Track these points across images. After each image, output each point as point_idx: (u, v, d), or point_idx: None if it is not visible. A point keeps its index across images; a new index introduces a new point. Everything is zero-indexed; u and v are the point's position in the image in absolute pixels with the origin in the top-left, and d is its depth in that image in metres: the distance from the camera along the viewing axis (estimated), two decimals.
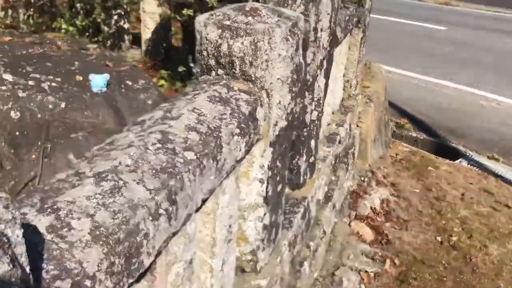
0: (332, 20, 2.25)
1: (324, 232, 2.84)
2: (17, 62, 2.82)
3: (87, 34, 3.61)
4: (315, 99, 2.35)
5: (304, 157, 2.46)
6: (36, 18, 3.74)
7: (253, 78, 1.63)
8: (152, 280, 1.28)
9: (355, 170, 3.93)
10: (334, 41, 2.53)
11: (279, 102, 1.69)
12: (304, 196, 2.53)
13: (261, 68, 1.60)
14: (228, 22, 1.58)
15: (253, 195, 1.82)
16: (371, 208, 3.47)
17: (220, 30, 1.59)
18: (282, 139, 1.83)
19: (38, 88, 2.55)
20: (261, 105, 1.62)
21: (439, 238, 3.29)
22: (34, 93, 2.49)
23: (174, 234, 1.14)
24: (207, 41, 1.63)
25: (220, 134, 1.35)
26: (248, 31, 1.55)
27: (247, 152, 1.56)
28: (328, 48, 2.32)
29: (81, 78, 2.77)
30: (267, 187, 1.82)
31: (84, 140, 2.45)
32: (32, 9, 3.83)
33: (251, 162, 1.77)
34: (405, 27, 11.15)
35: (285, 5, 1.99)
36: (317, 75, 2.30)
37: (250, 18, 1.59)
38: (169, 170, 1.14)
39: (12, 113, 2.41)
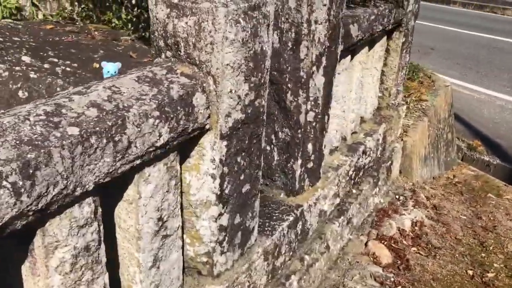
0: (332, 13, 2.05)
1: (328, 247, 2.60)
2: (43, 47, 2.94)
3: (130, 27, 3.70)
4: (311, 98, 2.16)
5: (299, 161, 2.26)
6: (87, 10, 3.91)
7: (197, 62, 1.50)
8: (33, 262, 1.21)
9: (390, 186, 3.60)
10: (342, 38, 2.31)
11: (231, 91, 1.54)
12: (299, 204, 2.33)
13: (205, 51, 1.47)
14: (176, 0, 1.47)
15: (204, 191, 1.68)
16: (398, 229, 3.14)
17: (168, 9, 1.49)
18: (242, 134, 1.68)
19: (51, 71, 2.62)
20: (203, 91, 1.48)
21: (470, 272, 2.88)
22: (45, 76, 2.56)
23: (34, 212, 1.05)
24: (157, 21, 1.53)
25: (126, 114, 1.24)
26: (193, 10, 1.43)
27: (177, 140, 1.43)
28: (328, 44, 2.11)
29: (97, 66, 2.81)
30: (221, 184, 1.67)
31: None
32: (86, 2, 4.01)
33: (201, 155, 1.63)
34: (491, 43, 10.26)
35: None
36: (313, 72, 2.10)
37: None
38: (36, 143, 1.06)
39: (20, 93, 2.48)
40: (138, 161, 1.31)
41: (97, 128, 1.16)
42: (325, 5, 1.98)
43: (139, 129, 1.27)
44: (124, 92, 1.31)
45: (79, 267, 1.25)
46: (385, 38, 3.07)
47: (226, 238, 1.82)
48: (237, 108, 1.60)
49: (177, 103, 1.39)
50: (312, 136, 2.26)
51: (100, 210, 1.28)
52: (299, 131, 2.21)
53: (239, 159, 1.73)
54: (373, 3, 2.75)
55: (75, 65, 2.76)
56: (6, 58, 2.64)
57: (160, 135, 1.34)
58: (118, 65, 2.72)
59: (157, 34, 1.55)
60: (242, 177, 1.79)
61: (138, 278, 1.55)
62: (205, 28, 1.44)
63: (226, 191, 1.72)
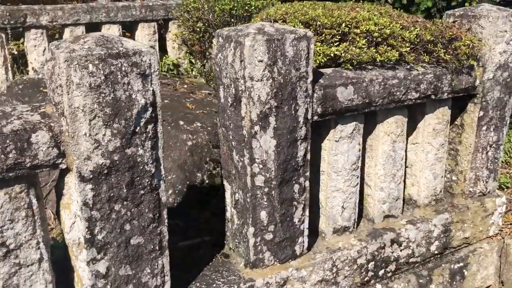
0: (276, 70, 1.84)
1: None
2: None
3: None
4: (257, 160, 1.95)
5: (251, 229, 2.05)
6: (201, 66, 4.33)
7: (54, 103, 1.58)
8: None
9: None
10: (319, 101, 2.03)
11: (86, 134, 1.56)
12: (251, 278, 2.08)
13: (57, 93, 1.55)
14: (57, 45, 1.60)
15: (75, 231, 1.70)
16: None
17: (50, 54, 1.63)
18: (116, 181, 1.66)
19: None
20: (49, 130, 1.54)
21: None
22: None
23: None
24: None
25: None
26: (55, 55, 1.54)
27: (14, 172, 1.51)
28: (275, 104, 1.89)
29: None
30: (91, 228, 1.67)
31: None
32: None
33: (70, 195, 1.67)
34: None
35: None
36: (255, 132, 1.91)
37: (70, 44, 1.56)
38: None
39: None
40: None
41: None
42: (261, 61, 1.81)
43: None
44: None
45: None
46: (445, 108, 2.52)
47: (108, 287, 1.77)
48: (97, 152, 1.59)
49: (7, 137, 1.49)
50: (265, 203, 2.02)
51: None
52: (248, 194, 2.01)
53: (116, 207, 1.70)
54: (409, 66, 2.32)
55: None
56: None
57: None
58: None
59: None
60: (127, 227, 1.74)
61: None
62: (55, 71, 1.52)
63: (99, 237, 1.69)
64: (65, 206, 1.71)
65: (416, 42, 2.31)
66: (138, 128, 1.64)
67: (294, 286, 2.18)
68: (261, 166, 1.97)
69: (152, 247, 1.82)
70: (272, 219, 2.06)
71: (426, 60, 2.30)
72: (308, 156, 2.10)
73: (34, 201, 1.63)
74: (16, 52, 4.94)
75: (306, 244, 2.24)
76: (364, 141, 2.44)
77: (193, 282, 2.08)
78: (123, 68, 1.57)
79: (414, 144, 2.60)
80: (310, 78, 1.96)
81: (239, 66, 1.85)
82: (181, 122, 3.00)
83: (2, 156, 1.49)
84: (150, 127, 1.68)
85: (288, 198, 2.08)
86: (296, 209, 2.13)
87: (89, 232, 1.68)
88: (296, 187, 2.09)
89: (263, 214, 2.04)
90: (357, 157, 2.30)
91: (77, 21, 4.85)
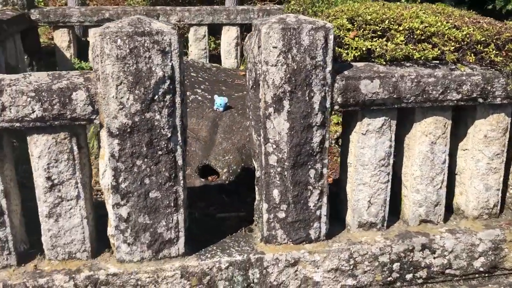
0: (291, 57, 1.98)
1: None
2: (214, 84, 3.76)
3: None
4: (270, 140, 2.10)
5: (265, 206, 2.22)
6: None
7: (94, 69, 1.95)
8: None
9: None
10: (340, 91, 2.11)
11: (113, 97, 1.91)
12: (262, 251, 2.24)
13: (96, 62, 1.92)
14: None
15: (106, 178, 2.07)
16: None
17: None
18: (137, 140, 1.98)
19: (190, 91, 3.43)
20: (87, 91, 1.93)
21: None
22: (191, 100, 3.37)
23: None
24: None
25: (6, 88, 1.88)
26: (98, 30, 1.92)
27: (58, 120, 1.92)
28: (288, 88, 2.01)
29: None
30: (116, 177, 2.02)
31: None
32: None
33: (103, 147, 2.04)
34: None
35: None
36: (270, 114, 2.07)
37: (112, 23, 1.94)
38: None
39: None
40: (17, 124, 1.91)
41: None
42: (275, 47, 1.97)
43: (14, 100, 1.88)
44: (33, 80, 1.94)
45: None
46: (500, 115, 2.34)
47: (129, 231, 2.10)
48: (122, 113, 1.93)
49: (54, 92, 1.90)
50: (278, 182, 2.16)
51: None
52: (263, 171, 2.18)
53: (138, 162, 2.02)
54: (453, 65, 2.23)
55: (207, 95, 3.46)
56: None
57: (33, 111, 1.90)
58: (225, 99, 3.25)
59: None
60: (146, 181, 2.06)
61: None
62: (94, 44, 1.90)
63: (123, 186, 2.04)
64: (101, 157, 2.09)
65: (463, 42, 2.23)
66: (156, 96, 1.94)
67: (306, 268, 2.28)
68: (274, 146, 2.12)
69: (167, 202, 2.10)
70: (284, 199, 2.20)
71: (471, 61, 2.20)
72: (327, 144, 2.18)
73: (75, 148, 2.03)
74: None
75: (324, 231, 2.31)
76: (403, 139, 2.41)
77: (212, 246, 2.31)
78: (146, 44, 1.88)
79: (463, 150, 2.47)
80: (329, 68, 2.06)
81: (257, 51, 2.04)
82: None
83: (49, 107, 1.91)
84: (168, 97, 1.96)
85: (302, 181, 2.19)
86: (312, 194, 2.22)
87: (114, 180, 2.03)
88: (312, 172, 2.19)
89: (275, 193, 2.19)
90: (387, 153, 2.30)
91: (201, 21, 5.43)
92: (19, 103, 1.89)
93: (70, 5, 5.63)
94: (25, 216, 2.20)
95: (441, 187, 2.42)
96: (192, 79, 3.68)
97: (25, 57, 5.07)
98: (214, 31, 5.99)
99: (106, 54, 1.86)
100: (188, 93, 3.46)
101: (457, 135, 2.48)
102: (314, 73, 2.04)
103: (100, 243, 2.23)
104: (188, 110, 3.28)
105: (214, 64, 4.81)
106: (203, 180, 2.98)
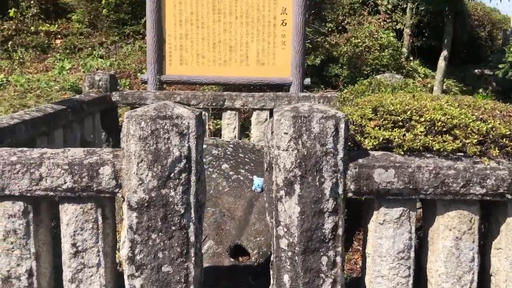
0: (301, 142, 2.05)
1: None
2: (245, 162, 3.88)
3: None
4: (281, 223, 2.13)
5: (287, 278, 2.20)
6: None
7: (122, 147, 2.16)
8: None
9: None
10: (353, 178, 2.11)
11: (135, 173, 2.09)
12: None
13: (123, 141, 2.13)
14: None
15: (124, 249, 2.20)
16: None
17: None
18: (154, 214, 2.12)
19: (234, 171, 3.58)
20: (113, 166, 2.12)
21: None
22: (222, 178, 3.54)
23: None
24: None
25: (45, 161, 2.13)
26: (127, 113, 2.15)
27: (86, 192, 2.12)
28: (299, 173, 2.06)
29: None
30: (132, 248, 2.15)
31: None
32: None
33: (124, 219, 2.20)
34: None
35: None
36: (281, 197, 2.12)
37: (138, 108, 2.17)
38: None
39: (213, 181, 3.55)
40: (51, 193, 2.14)
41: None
42: (286, 133, 2.07)
43: (50, 171, 2.12)
44: (69, 155, 2.19)
45: None
46: None
47: None
48: (141, 188, 2.09)
49: (84, 166, 2.12)
50: (288, 267, 2.16)
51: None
52: (274, 255, 2.20)
53: (153, 235, 2.14)
54: (475, 159, 2.15)
55: (249, 175, 3.58)
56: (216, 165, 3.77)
57: (65, 182, 2.12)
58: (263, 180, 3.34)
59: None
60: (160, 255, 2.16)
61: None
62: (123, 125, 2.13)
63: (138, 258, 2.15)
64: (122, 228, 2.24)
65: (488, 135, 2.17)
66: (172, 174, 2.09)
67: None
68: (285, 229, 2.15)
69: (178, 278, 2.17)
70: (295, 285, 2.17)
71: (494, 154, 2.12)
72: (340, 231, 2.16)
73: (100, 218, 2.21)
74: (213, 129, 6.05)
75: None
76: (427, 232, 2.32)
77: None
78: (166, 127, 2.07)
79: (497, 249, 2.30)
80: (340, 155, 2.09)
81: (270, 136, 2.14)
82: None
83: (79, 179, 2.13)
84: (183, 175, 2.10)
85: (313, 268, 2.16)
86: (324, 282, 2.18)
87: (131, 251, 2.15)
88: (324, 260, 2.16)
89: (286, 278, 2.17)
90: (406, 246, 2.21)
91: (263, 106, 5.71)
92: (54, 174, 2.13)
93: (149, 89, 6.20)
94: (56, 279, 2.37)
95: (470, 287, 2.25)
96: (239, 160, 3.84)
97: (103, 134, 5.60)
98: None
99: (131, 134, 2.07)
100: (231, 173, 3.61)
101: (490, 231, 2.34)
102: (325, 159, 2.09)
103: None
104: (227, 190, 3.40)
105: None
106: (232, 260, 3.01)
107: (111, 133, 5.75)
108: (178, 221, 2.13)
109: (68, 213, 2.19)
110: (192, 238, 2.16)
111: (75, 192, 2.15)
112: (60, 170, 2.13)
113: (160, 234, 2.14)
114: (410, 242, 2.23)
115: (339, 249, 2.17)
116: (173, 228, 2.14)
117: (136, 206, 2.11)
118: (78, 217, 2.19)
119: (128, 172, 2.10)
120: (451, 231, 2.22)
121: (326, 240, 2.15)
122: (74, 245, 2.21)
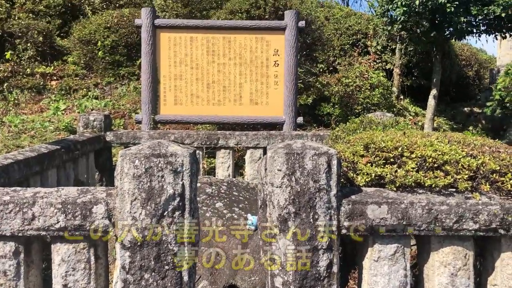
0: (294, 179, 2.06)
1: None
2: (239, 200, 3.87)
3: None
4: (276, 261, 2.12)
5: None
6: None
7: (115, 186, 2.16)
8: None
9: None
10: (346, 214, 2.12)
11: (128, 211, 2.08)
12: None
13: (116, 179, 2.14)
14: None
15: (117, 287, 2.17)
16: None
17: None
18: (147, 253, 2.10)
19: (228, 209, 3.56)
20: (106, 205, 2.12)
21: None
22: (215, 216, 3.53)
23: None
24: None
25: (39, 200, 2.12)
26: (121, 152, 2.17)
27: (79, 231, 2.11)
28: (293, 210, 2.07)
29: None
30: None
31: None
32: None
33: (117, 258, 2.17)
34: None
35: None
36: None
37: (134, 146, 2.19)
38: None
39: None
40: (43, 232, 2.12)
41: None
42: (279, 170, 2.08)
43: (43, 210, 2.11)
44: (63, 194, 2.19)
45: None
46: None
47: None
48: (134, 227, 2.08)
49: (78, 205, 2.12)
50: None
51: None
52: None
53: (146, 275, 2.11)
54: (467, 194, 2.17)
55: (243, 213, 3.56)
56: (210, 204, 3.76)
57: (58, 221, 2.11)
58: (257, 218, 3.33)
59: None
60: None
61: None
62: (117, 163, 2.14)
63: None
64: (115, 268, 2.21)
65: (478, 170, 2.20)
66: (166, 212, 2.09)
67: None
68: (280, 268, 2.13)
69: None
70: None
71: (485, 190, 2.15)
72: (335, 269, 2.15)
73: (92, 258, 2.19)
74: (207, 168, 6.06)
75: None
76: (422, 269, 2.30)
77: None
78: (160, 165, 2.08)
79: (493, 285, 2.29)
80: (333, 191, 2.11)
81: (264, 173, 2.16)
82: None
83: (72, 218, 2.11)
84: (177, 213, 2.10)
85: None
86: None
87: None
88: None
89: None
90: (402, 283, 2.20)
91: (257, 145, 5.75)
92: (47, 214, 2.12)
93: (143, 129, 6.24)
94: None
95: None
96: (233, 198, 3.84)
97: (97, 173, 5.59)
98: None
99: (125, 173, 2.08)
100: (225, 211, 3.59)
101: (485, 267, 2.33)
102: (318, 195, 2.10)
103: None
104: (221, 228, 3.38)
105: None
106: None
107: (104, 173, 5.74)
108: (172, 260, 2.11)
109: (60, 253, 2.17)
110: (185, 278, 2.14)
111: (68, 231, 2.13)
112: (53, 209, 2.12)
113: (153, 274, 2.11)
114: (406, 279, 2.21)
115: (334, 287, 2.15)
116: (166, 267, 2.11)
117: (129, 245, 2.10)
118: (71, 257, 2.16)
119: (121, 210, 2.10)
120: (446, 268, 2.21)
121: (321, 278, 2.13)
122: (65, 286, 2.17)
